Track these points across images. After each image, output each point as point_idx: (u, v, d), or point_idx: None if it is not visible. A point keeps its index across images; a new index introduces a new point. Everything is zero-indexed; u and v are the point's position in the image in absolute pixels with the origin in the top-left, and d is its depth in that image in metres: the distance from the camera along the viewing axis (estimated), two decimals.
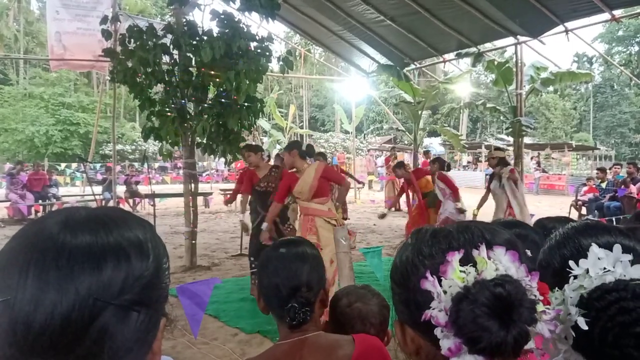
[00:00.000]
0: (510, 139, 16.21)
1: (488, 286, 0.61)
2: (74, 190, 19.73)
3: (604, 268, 0.73)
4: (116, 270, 0.57)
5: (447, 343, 0.62)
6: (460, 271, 0.64)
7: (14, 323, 0.52)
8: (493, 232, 0.72)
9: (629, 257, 0.73)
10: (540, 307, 0.64)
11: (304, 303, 1.32)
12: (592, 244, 0.77)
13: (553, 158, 26.27)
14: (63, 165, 24.17)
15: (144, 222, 0.67)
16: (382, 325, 1.66)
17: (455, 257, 0.65)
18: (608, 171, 12.70)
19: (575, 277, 0.74)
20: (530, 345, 0.63)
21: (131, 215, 0.66)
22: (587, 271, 0.74)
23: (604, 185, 11.98)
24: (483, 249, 0.65)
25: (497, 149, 7.92)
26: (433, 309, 0.64)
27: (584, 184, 13.34)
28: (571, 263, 0.75)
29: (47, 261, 0.55)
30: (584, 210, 11.90)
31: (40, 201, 12.63)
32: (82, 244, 0.57)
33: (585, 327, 0.68)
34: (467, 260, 0.65)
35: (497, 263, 0.64)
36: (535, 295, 0.64)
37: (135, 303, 0.57)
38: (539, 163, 24.36)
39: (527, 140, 21.85)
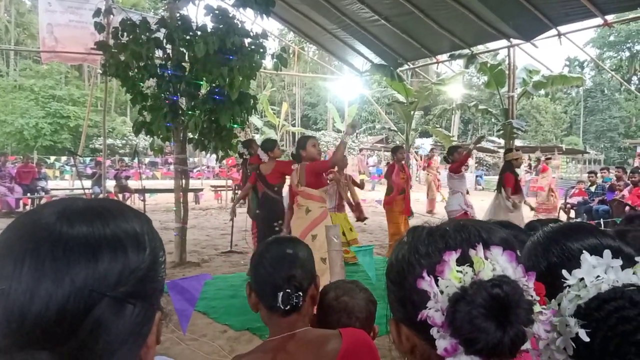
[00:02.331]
0: (501, 141, 16.29)
1: (485, 287, 0.61)
2: (63, 183, 19.60)
3: (598, 276, 0.73)
4: (112, 262, 0.56)
5: (443, 343, 0.62)
6: (457, 271, 0.63)
7: (8, 313, 0.52)
8: (490, 231, 0.71)
9: (619, 262, 0.73)
10: (537, 308, 0.64)
11: (297, 287, 1.35)
12: (583, 250, 0.77)
13: (543, 161, 26.37)
14: (52, 158, 23.99)
15: (141, 214, 0.67)
16: (368, 320, 1.67)
17: (452, 257, 0.64)
18: (596, 176, 12.81)
19: (569, 286, 0.74)
20: (526, 345, 0.63)
21: (128, 208, 0.66)
22: (582, 280, 0.73)
23: (593, 188, 12.08)
24: (480, 249, 0.65)
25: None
26: (429, 308, 0.63)
27: (573, 187, 13.44)
28: (564, 272, 0.75)
29: (43, 251, 0.54)
30: (572, 214, 11.99)
31: (28, 194, 12.51)
32: (78, 235, 0.56)
33: (587, 339, 0.68)
34: (464, 260, 0.64)
35: (494, 263, 0.64)
36: (532, 296, 0.64)
37: (130, 295, 0.57)
38: (530, 165, 24.50)
39: (517, 142, 21.95)
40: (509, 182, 7.27)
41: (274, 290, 1.35)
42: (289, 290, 1.33)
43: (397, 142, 31.07)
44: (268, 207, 5.96)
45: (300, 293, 1.36)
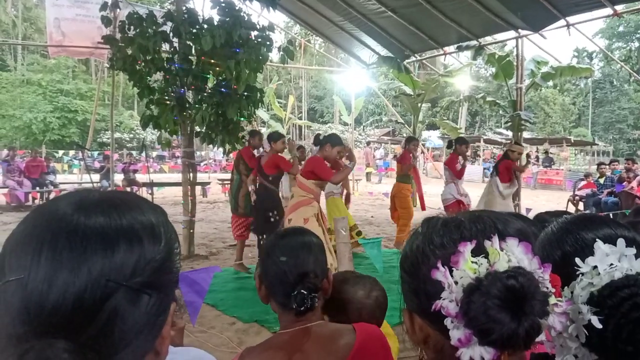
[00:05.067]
0: (509, 133, 16.20)
1: (500, 278, 0.60)
2: (72, 177, 19.70)
3: (611, 264, 0.73)
4: (128, 253, 0.57)
5: (457, 334, 0.61)
6: (472, 262, 0.63)
7: (27, 302, 0.53)
8: (505, 222, 0.71)
9: (633, 250, 0.73)
10: (552, 300, 0.63)
11: (311, 289, 1.31)
12: (597, 239, 0.77)
13: (551, 153, 26.30)
14: (61, 152, 24.10)
15: (157, 206, 0.67)
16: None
17: (467, 248, 0.64)
18: (607, 167, 12.71)
19: (582, 274, 0.74)
20: (541, 337, 0.63)
21: (144, 200, 0.67)
22: (595, 268, 0.73)
23: (602, 180, 12.00)
24: (495, 240, 0.65)
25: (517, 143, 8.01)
26: (443, 299, 0.63)
27: (582, 179, 13.36)
28: (578, 260, 0.75)
29: (60, 241, 0.55)
30: (581, 206, 11.93)
31: (37, 188, 12.60)
32: (95, 226, 0.57)
33: (600, 326, 0.68)
34: (479, 250, 0.64)
35: (510, 254, 0.63)
36: (547, 288, 0.63)
37: (146, 286, 0.58)
38: (537, 157, 24.39)
39: (525, 134, 21.84)
40: (506, 170, 7.57)
41: (287, 289, 1.31)
42: (304, 292, 1.29)
43: (404, 135, 30.98)
44: (264, 196, 6.19)
45: (315, 294, 1.32)
